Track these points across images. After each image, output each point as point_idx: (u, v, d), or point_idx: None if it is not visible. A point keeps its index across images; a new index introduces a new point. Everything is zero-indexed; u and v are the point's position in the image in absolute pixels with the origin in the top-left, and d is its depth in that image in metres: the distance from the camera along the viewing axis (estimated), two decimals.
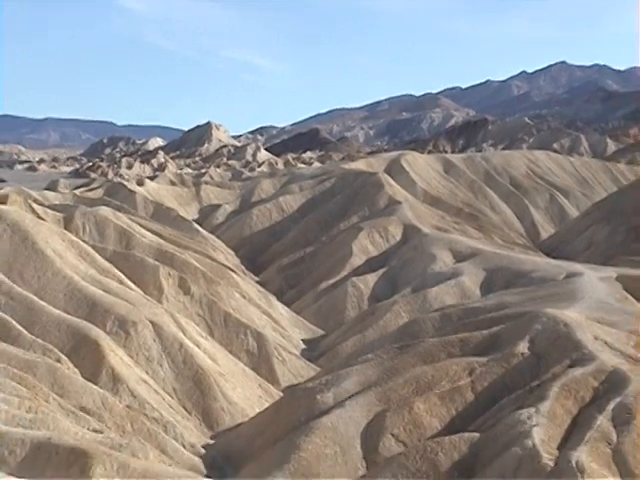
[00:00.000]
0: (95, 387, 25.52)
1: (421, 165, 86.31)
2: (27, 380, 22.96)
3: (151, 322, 31.18)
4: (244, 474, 22.70)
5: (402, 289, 43.97)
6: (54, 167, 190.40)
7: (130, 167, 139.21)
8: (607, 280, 36.77)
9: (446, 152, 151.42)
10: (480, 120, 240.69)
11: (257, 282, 52.21)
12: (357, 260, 51.32)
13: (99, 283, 34.12)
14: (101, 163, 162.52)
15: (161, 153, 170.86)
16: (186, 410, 28.88)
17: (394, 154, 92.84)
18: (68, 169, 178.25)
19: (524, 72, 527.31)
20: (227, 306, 38.79)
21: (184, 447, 24.79)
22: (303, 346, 40.50)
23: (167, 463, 21.41)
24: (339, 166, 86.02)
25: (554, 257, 56.87)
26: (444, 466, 19.65)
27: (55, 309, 30.52)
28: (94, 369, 27.32)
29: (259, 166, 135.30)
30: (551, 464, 17.67)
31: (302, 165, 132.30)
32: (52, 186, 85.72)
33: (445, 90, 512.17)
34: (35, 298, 30.76)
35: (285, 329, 41.61)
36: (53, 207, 48.79)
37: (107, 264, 37.59)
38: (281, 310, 45.05)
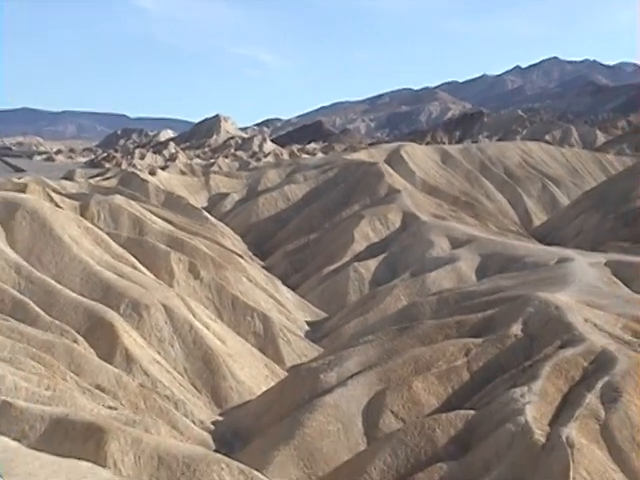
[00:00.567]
0: (110, 366, 25.60)
1: (419, 156, 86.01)
2: (45, 359, 23.03)
3: (163, 305, 31.22)
4: (251, 449, 22.77)
5: (401, 274, 43.96)
6: (71, 157, 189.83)
7: (143, 157, 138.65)
8: (597, 265, 36.71)
9: (443, 143, 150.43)
10: (476, 113, 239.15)
11: (263, 267, 52.21)
12: (358, 246, 51.30)
13: (113, 268, 34.15)
14: (115, 154, 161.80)
15: (172, 144, 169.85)
16: (196, 388, 28.96)
17: (394, 145, 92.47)
18: (84, 159, 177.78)
19: (518, 67, 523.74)
20: (235, 290, 38.80)
21: (194, 423, 24.88)
22: (307, 328, 40.55)
23: (178, 439, 21.47)
24: (341, 157, 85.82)
25: (546, 243, 56.79)
26: (441, 442, 19.71)
27: (72, 292, 30.58)
28: (109, 349, 27.39)
29: (265, 157, 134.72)
30: (543, 440, 17.73)
31: (306, 156, 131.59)
32: (69, 176, 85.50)
33: (443, 84, 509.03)
34: (53, 282, 30.82)
35: (290, 312, 41.62)
36: (70, 195, 48.80)
37: (121, 250, 37.62)
38: (286, 294, 45.04)
